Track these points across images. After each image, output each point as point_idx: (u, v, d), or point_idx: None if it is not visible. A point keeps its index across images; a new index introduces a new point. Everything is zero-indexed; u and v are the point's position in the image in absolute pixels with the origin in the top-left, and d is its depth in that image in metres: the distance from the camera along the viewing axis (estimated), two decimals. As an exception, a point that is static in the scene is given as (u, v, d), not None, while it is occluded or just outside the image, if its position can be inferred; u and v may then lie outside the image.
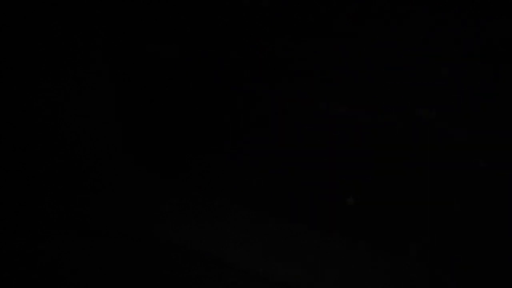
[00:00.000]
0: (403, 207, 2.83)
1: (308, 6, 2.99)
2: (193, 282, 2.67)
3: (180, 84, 3.13)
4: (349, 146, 2.95)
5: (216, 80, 3.14)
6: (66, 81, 3.02)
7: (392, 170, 2.88)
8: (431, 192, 2.84)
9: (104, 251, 2.76)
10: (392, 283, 2.65)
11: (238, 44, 3.12)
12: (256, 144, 3.04)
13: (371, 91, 3.03)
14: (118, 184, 2.98)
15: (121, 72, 3.11)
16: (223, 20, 3.11)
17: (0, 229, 2.81)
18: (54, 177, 2.95)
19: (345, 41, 3.04)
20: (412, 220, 2.80)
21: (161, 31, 3.12)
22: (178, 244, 2.78)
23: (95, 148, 3.02)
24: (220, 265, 2.70)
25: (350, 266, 2.72)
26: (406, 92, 2.99)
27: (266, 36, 3.09)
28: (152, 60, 3.14)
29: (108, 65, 3.08)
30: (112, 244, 2.78)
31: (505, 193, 2.76)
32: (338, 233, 2.81)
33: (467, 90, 2.93)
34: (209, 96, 3.14)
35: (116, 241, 2.79)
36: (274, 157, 3.01)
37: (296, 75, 3.08)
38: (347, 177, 2.91)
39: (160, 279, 2.66)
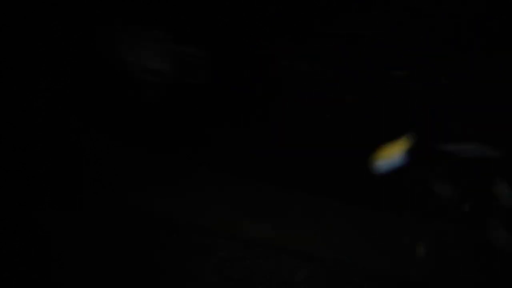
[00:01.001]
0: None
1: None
2: (168, 246, 2.75)
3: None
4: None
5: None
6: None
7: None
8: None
9: (95, 223, 2.82)
10: (355, 233, 2.74)
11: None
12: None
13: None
14: (107, 160, 3.02)
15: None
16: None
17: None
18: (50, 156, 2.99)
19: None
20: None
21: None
22: (157, 211, 2.85)
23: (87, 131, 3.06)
24: (190, 228, 2.78)
25: (316, 221, 2.79)
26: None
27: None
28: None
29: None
30: (104, 216, 2.84)
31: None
32: (306, 192, 2.88)
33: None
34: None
35: (108, 213, 2.84)
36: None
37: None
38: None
39: (138, 244, 2.74)
